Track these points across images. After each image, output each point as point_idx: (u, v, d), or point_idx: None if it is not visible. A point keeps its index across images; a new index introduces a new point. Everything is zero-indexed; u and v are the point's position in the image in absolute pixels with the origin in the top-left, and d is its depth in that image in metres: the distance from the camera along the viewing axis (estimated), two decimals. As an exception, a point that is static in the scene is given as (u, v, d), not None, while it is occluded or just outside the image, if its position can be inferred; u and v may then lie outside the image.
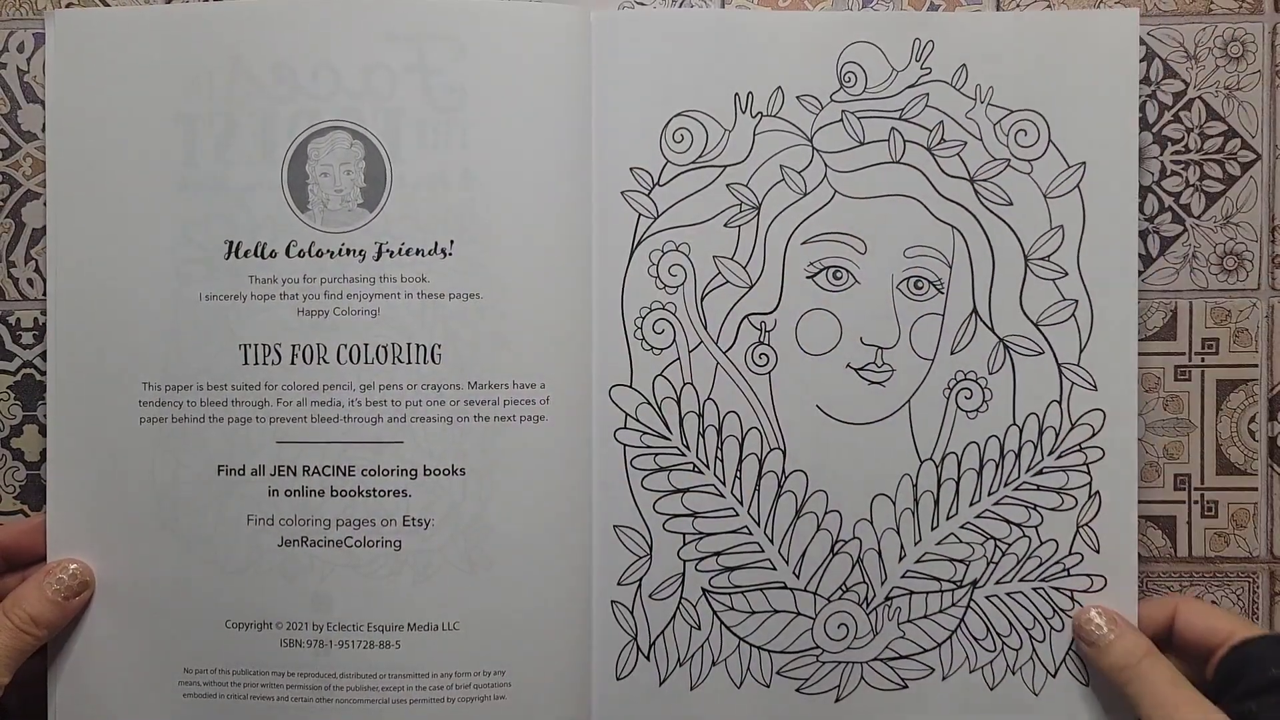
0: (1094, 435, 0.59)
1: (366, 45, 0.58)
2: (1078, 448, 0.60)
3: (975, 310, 0.59)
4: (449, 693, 0.59)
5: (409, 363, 0.58)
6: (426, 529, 0.58)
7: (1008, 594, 0.60)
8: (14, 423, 0.62)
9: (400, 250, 0.58)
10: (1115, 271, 0.59)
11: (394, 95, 0.58)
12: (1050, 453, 0.60)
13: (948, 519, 0.60)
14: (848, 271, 0.59)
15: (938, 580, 0.60)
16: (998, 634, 0.60)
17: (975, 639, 0.60)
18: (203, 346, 0.58)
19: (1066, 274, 0.59)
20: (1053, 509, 0.60)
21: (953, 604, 0.60)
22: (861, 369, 0.60)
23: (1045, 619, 0.60)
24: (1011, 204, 0.59)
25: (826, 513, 0.60)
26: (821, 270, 0.59)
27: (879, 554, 0.60)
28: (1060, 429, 0.59)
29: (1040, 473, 0.60)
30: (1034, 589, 0.60)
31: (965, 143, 0.59)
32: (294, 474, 0.59)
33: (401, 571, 0.59)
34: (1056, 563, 0.60)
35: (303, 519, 0.59)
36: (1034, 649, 0.60)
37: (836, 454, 0.60)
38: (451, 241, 0.58)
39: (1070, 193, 0.59)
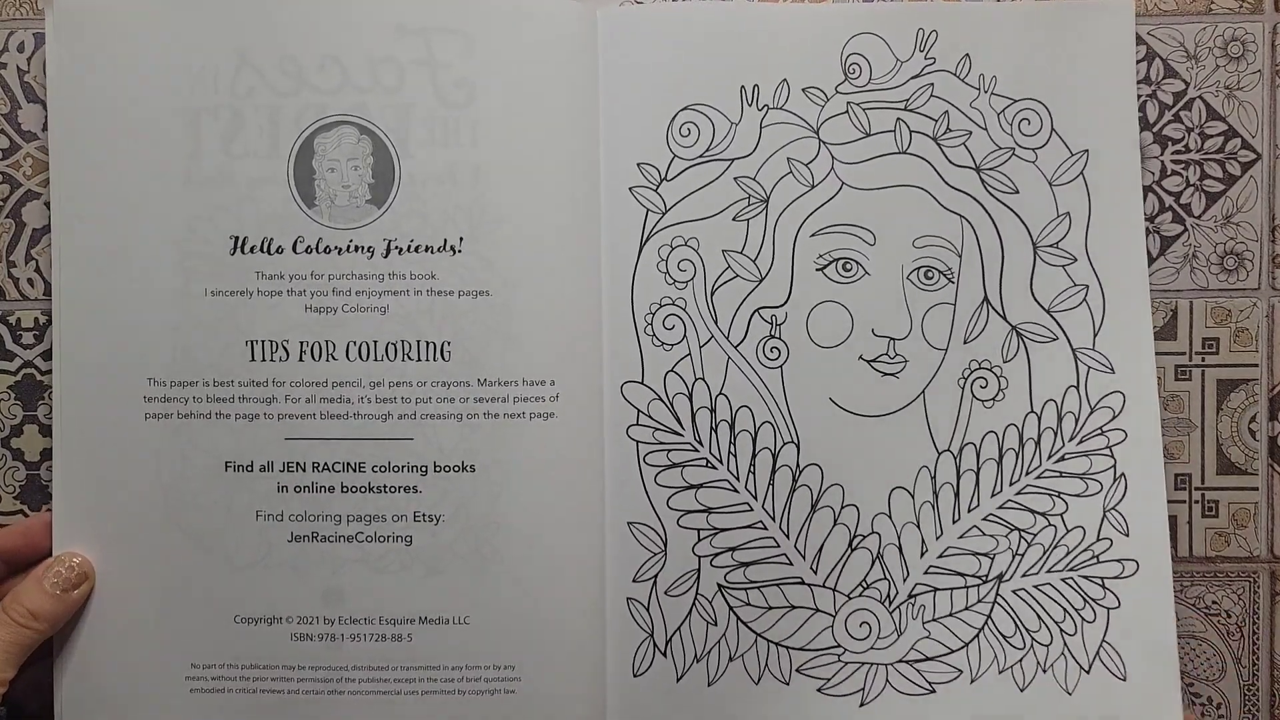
0: (1115, 418, 0.59)
1: (374, 38, 0.57)
2: (1099, 431, 0.59)
3: (986, 299, 0.59)
4: (460, 685, 0.58)
5: (418, 360, 0.58)
6: (437, 524, 0.57)
7: (1035, 586, 0.59)
8: (14, 422, 0.61)
9: (409, 247, 0.58)
10: (1124, 255, 0.59)
11: (402, 90, 0.57)
12: (1071, 438, 0.59)
13: (969, 511, 0.59)
14: (857, 263, 0.59)
15: (962, 575, 0.59)
16: (1027, 630, 0.59)
17: (1004, 636, 0.59)
18: (209, 343, 0.57)
19: (1075, 260, 0.59)
20: (1078, 495, 0.59)
21: (979, 600, 0.59)
22: (874, 361, 0.59)
23: (1076, 611, 0.58)
24: (1018, 192, 0.59)
25: (843, 507, 0.59)
26: (831, 262, 0.59)
27: (899, 549, 0.59)
28: (1080, 414, 0.59)
29: (1063, 459, 0.59)
30: (1063, 579, 0.58)
31: (970, 132, 0.59)
32: (303, 470, 0.58)
33: (412, 566, 0.58)
34: (1085, 550, 0.58)
35: (313, 514, 0.58)
36: (1065, 644, 0.58)
37: (852, 447, 0.59)
38: (460, 238, 0.58)
39: (1075, 180, 0.59)
